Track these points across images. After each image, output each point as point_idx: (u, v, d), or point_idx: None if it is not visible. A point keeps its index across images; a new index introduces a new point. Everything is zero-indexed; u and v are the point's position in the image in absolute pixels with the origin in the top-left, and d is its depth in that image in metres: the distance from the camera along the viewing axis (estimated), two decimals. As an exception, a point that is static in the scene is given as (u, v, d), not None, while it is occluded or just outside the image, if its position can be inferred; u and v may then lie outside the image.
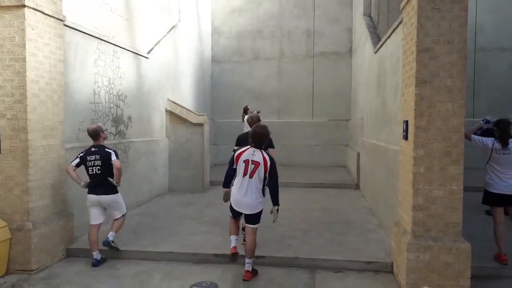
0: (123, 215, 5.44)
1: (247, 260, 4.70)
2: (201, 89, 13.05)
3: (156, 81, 9.05)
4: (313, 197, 8.85)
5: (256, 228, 4.78)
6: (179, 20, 10.87)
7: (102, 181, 5.09)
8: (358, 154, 10.00)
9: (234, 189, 4.76)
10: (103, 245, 5.17)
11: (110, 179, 5.13)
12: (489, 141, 4.95)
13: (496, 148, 4.86)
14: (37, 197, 4.94)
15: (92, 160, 5.06)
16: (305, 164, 13.50)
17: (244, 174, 4.63)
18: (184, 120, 9.58)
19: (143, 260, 5.25)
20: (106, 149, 5.15)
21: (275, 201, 4.69)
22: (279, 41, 14.14)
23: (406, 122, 4.53)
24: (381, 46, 7.21)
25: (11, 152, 4.80)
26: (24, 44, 4.69)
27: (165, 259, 5.25)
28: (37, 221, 4.93)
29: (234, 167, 4.76)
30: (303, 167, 13.14)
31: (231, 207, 4.88)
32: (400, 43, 5.10)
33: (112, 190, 5.21)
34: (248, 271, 4.68)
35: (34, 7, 4.79)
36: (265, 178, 4.65)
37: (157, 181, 9.00)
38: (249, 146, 4.74)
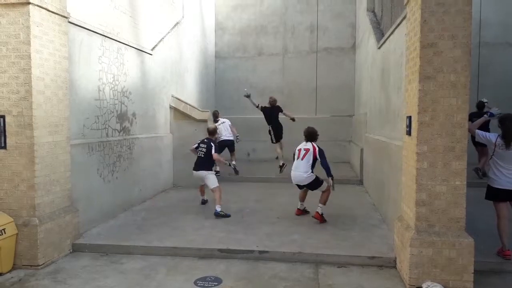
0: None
1: (319, 205, 6.45)
2: (204, 85, 13.07)
3: (160, 78, 9.08)
4: (316, 192, 8.84)
5: (323, 191, 6.50)
6: (183, 16, 10.88)
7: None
8: (362, 150, 9.99)
9: (292, 171, 6.61)
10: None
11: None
12: (492, 136, 4.93)
13: (499, 144, 4.85)
14: (43, 193, 4.98)
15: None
16: (308, 160, 13.47)
17: (297, 158, 6.58)
18: (188, 117, 9.61)
19: (148, 255, 5.30)
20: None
21: (328, 173, 6.43)
22: (282, 36, 14.10)
23: (410, 118, 4.53)
24: (384, 42, 7.19)
25: (17, 149, 4.84)
26: (29, 41, 4.72)
27: (170, 254, 5.30)
28: (43, 217, 4.98)
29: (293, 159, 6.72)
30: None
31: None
32: (404, 38, 5.09)
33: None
34: (318, 212, 6.40)
35: (39, 4, 4.81)
36: (313, 159, 6.48)
37: (161, 177, 9.05)
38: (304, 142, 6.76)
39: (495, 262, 4.76)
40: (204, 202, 7.88)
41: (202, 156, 7.32)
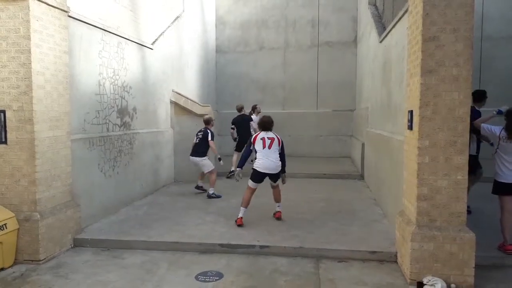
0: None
1: (277, 204, 6.42)
2: (205, 80, 13.04)
3: (160, 72, 9.05)
4: (317, 188, 8.87)
5: (275, 187, 6.37)
6: (183, 11, 10.82)
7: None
8: (363, 145, 9.98)
9: (260, 159, 6.08)
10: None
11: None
12: (496, 129, 4.93)
13: (503, 137, 4.84)
14: (44, 187, 4.99)
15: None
16: (309, 155, 13.49)
17: (264, 147, 6.09)
18: (189, 111, 9.59)
19: (149, 250, 5.31)
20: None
21: (283, 169, 6.28)
22: (283, 30, 14.05)
23: (411, 112, 4.51)
24: (386, 36, 7.15)
25: (17, 144, 4.84)
26: (29, 36, 4.70)
27: (171, 249, 5.31)
28: (45, 212, 4.99)
29: (250, 148, 6.28)
30: (307, 158, 13.14)
31: (254, 175, 6.13)
32: (406, 32, 5.06)
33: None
34: (279, 211, 6.38)
35: (38, -2, 4.79)
36: (279, 149, 6.13)
37: (162, 172, 9.05)
38: (260, 131, 6.28)
39: (496, 256, 4.76)
40: (198, 187, 8.36)
41: (197, 141, 7.94)
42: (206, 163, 7.97)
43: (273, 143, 6.11)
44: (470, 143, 5.29)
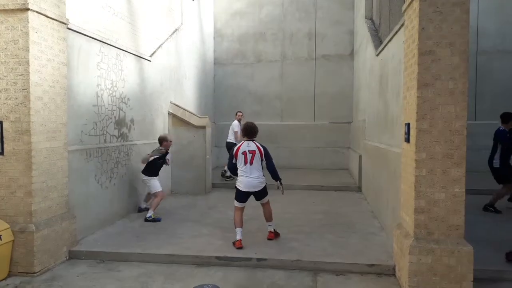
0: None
1: (268, 223, 5.94)
2: (203, 92, 13.08)
3: (158, 84, 9.08)
4: (315, 200, 8.85)
5: (268, 200, 5.93)
6: (182, 23, 10.91)
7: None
8: (360, 157, 9.99)
9: (241, 177, 5.74)
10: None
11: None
12: None
13: None
14: (40, 199, 4.96)
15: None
16: (306, 167, 13.49)
17: (245, 163, 5.69)
18: (186, 123, 9.60)
19: (145, 263, 5.26)
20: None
21: (276, 177, 5.85)
22: (281, 43, 14.16)
23: (408, 125, 4.53)
24: (383, 49, 7.22)
25: (14, 155, 4.82)
26: (28, 47, 4.72)
27: (167, 262, 5.26)
28: (40, 223, 4.94)
29: (233, 161, 5.82)
30: (304, 170, 13.13)
31: (238, 195, 5.81)
32: (402, 45, 5.11)
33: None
34: (271, 232, 5.92)
35: (38, 11, 4.82)
36: (262, 161, 5.75)
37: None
38: (242, 142, 5.84)
39: (494, 270, 4.73)
40: (140, 210, 7.73)
41: (152, 161, 7.36)
42: (151, 184, 7.34)
43: (255, 157, 5.67)
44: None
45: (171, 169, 9.63)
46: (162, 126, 9.30)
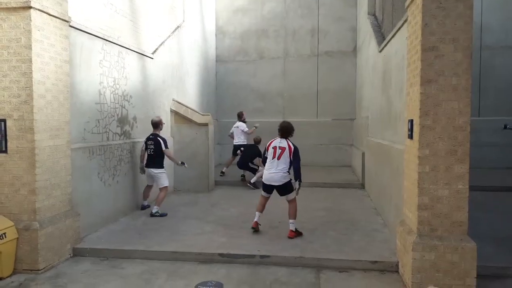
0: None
1: (290, 221, 5.96)
2: (205, 89, 13.08)
3: (161, 81, 9.08)
4: (317, 197, 8.84)
5: (293, 198, 6.04)
6: (184, 20, 10.90)
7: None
8: (363, 154, 9.98)
9: (266, 170, 6.09)
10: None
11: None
12: None
13: None
14: (44, 197, 4.97)
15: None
16: (309, 164, 13.42)
17: (273, 157, 6.01)
18: (189, 120, 9.60)
19: (149, 260, 5.28)
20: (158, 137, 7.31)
21: (297, 176, 5.99)
22: (283, 40, 14.12)
23: (411, 121, 4.52)
24: (386, 45, 7.19)
25: (18, 153, 4.83)
26: (30, 45, 4.73)
27: (170, 259, 5.27)
28: (44, 221, 4.97)
29: (266, 155, 6.16)
30: (307, 167, 13.03)
31: (262, 185, 6.20)
32: (405, 41, 5.09)
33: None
34: (291, 230, 5.91)
35: (40, 9, 4.82)
36: (290, 160, 5.98)
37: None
38: (276, 137, 6.21)
39: (497, 267, 4.72)
40: (144, 207, 7.68)
41: (152, 153, 7.29)
42: (162, 177, 7.40)
43: (283, 153, 5.97)
44: None
45: (174, 167, 9.64)
46: (164, 123, 9.29)
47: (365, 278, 4.68)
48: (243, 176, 10.46)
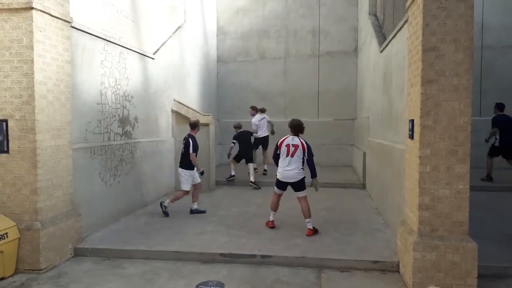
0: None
1: (307, 220, 6.10)
2: (206, 89, 13.09)
3: (162, 82, 9.10)
4: (319, 197, 8.83)
5: (305, 195, 6.19)
6: (185, 21, 10.92)
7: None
8: (364, 154, 9.98)
9: (280, 167, 6.21)
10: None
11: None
12: None
13: None
14: (46, 197, 4.99)
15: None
16: (311, 164, 13.45)
17: (287, 155, 6.12)
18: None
19: (150, 260, 5.29)
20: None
21: (313, 173, 6.20)
22: (284, 40, 14.13)
23: (412, 121, 4.52)
24: (387, 45, 7.20)
25: (19, 153, 4.85)
26: (32, 46, 4.75)
27: (172, 259, 5.28)
28: (46, 221, 4.98)
29: (278, 152, 6.26)
30: (309, 167, 13.10)
31: (277, 183, 6.33)
32: (406, 42, 5.09)
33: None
34: (310, 229, 6.03)
35: (42, 9, 4.84)
36: (303, 157, 6.15)
37: (163, 181, 9.05)
38: (288, 135, 6.31)
39: (498, 266, 4.72)
40: (192, 211, 7.47)
41: (182, 152, 7.31)
42: (183, 179, 7.27)
43: (297, 151, 6.10)
44: None
45: (175, 167, 9.65)
46: (165, 124, 9.32)
47: (366, 278, 4.68)
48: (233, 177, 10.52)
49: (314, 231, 6.04)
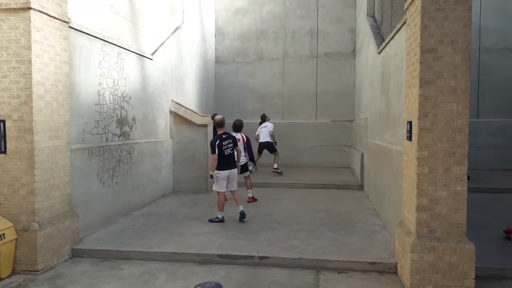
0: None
1: (248, 190, 8.27)
2: (205, 90, 13.08)
3: (160, 82, 9.09)
4: (316, 198, 8.85)
5: (247, 175, 8.41)
6: (183, 21, 10.91)
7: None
8: (362, 155, 9.99)
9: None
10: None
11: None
12: None
13: None
14: (43, 197, 4.97)
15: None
16: (309, 165, 13.49)
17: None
18: (188, 121, 9.61)
19: (147, 261, 5.28)
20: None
21: (252, 159, 8.48)
22: (282, 41, 14.14)
23: (410, 123, 4.53)
24: (385, 47, 7.21)
25: (17, 153, 4.83)
26: (30, 46, 4.73)
27: (169, 260, 5.27)
28: (43, 222, 4.96)
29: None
30: (306, 168, 13.13)
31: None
32: (404, 43, 5.10)
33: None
34: (250, 197, 8.27)
35: (40, 10, 4.82)
36: (244, 149, 8.14)
37: (161, 182, 9.03)
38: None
39: (496, 268, 4.74)
40: (242, 216, 6.88)
41: (231, 152, 6.94)
42: (213, 179, 6.99)
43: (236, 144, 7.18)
44: None
45: (173, 168, 9.65)
46: (163, 124, 9.31)
47: (364, 279, 4.68)
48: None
49: (253, 199, 8.12)
